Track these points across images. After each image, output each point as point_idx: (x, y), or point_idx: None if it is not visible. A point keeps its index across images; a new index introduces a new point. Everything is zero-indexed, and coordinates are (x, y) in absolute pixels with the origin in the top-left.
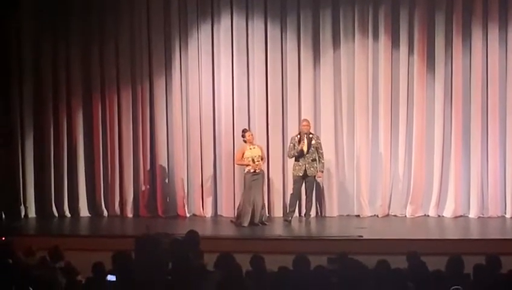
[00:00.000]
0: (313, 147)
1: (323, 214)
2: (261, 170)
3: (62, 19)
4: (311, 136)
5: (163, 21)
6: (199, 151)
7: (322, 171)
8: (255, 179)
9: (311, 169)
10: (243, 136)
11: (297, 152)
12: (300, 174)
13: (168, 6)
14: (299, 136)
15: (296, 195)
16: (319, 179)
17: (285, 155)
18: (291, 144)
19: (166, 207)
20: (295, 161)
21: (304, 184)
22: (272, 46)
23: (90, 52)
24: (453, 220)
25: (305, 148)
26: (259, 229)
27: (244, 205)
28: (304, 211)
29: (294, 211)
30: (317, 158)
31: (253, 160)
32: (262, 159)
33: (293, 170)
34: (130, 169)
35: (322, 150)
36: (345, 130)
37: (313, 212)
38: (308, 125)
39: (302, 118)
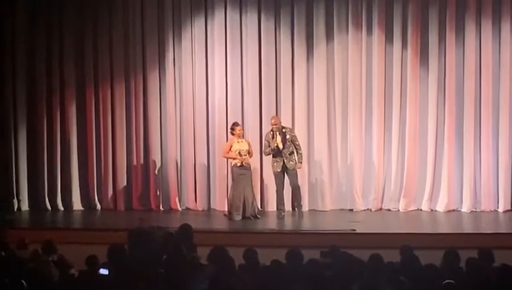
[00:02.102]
0: (288, 141)
1: (316, 208)
2: (248, 164)
3: (56, 11)
4: (284, 130)
5: (157, 14)
6: (192, 145)
7: (301, 162)
8: (242, 174)
9: (291, 163)
10: (232, 129)
11: (272, 150)
12: (279, 170)
13: (162, 0)
14: (272, 132)
15: (280, 190)
16: (298, 166)
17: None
18: (266, 142)
19: (160, 200)
20: (273, 157)
21: (285, 178)
22: (265, 39)
23: (84, 45)
24: (446, 214)
25: (280, 145)
26: (252, 222)
27: (233, 199)
28: (294, 205)
29: (284, 205)
30: (294, 151)
31: (239, 153)
32: (249, 153)
33: (272, 166)
34: (123, 162)
35: (298, 141)
36: (339, 124)
37: (305, 206)
38: (278, 123)
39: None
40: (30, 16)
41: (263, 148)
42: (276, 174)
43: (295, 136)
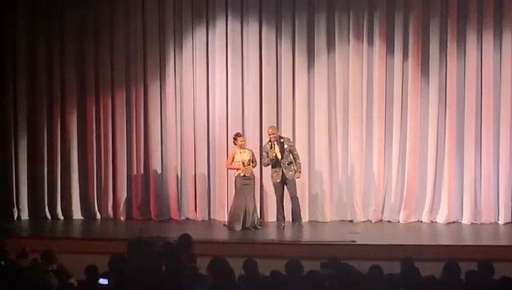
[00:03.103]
0: (287, 151)
1: (316, 219)
2: (252, 174)
3: (57, 20)
4: (282, 140)
5: (158, 24)
6: (193, 155)
7: (300, 172)
8: (245, 183)
9: (290, 173)
10: (235, 139)
11: (271, 161)
12: (279, 180)
13: (163, 9)
14: (270, 143)
15: (280, 201)
16: (297, 176)
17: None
18: (265, 152)
19: (159, 210)
20: (272, 168)
21: (284, 189)
22: (266, 50)
23: (85, 54)
24: (446, 226)
25: (279, 155)
26: (252, 233)
27: (235, 209)
28: (292, 214)
29: (284, 217)
30: (293, 160)
31: (243, 164)
32: (252, 162)
33: (271, 177)
34: (124, 172)
35: (295, 151)
36: (339, 135)
37: (305, 217)
38: (275, 133)
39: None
40: (31, 25)
41: (262, 159)
42: (275, 185)
43: (293, 145)
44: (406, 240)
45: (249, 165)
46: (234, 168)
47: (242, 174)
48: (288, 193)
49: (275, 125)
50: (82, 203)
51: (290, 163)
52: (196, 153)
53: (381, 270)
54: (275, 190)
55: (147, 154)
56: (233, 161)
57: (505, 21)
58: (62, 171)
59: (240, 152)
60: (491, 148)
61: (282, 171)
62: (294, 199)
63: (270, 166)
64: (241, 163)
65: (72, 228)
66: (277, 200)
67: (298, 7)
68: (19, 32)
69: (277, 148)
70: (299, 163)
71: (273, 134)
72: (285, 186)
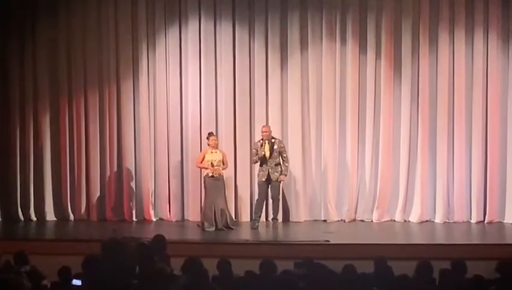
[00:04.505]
0: (276, 152)
1: (290, 219)
2: (220, 175)
3: (29, 20)
4: (273, 140)
5: (131, 23)
6: (166, 155)
7: (286, 175)
8: (214, 184)
9: (275, 173)
10: (208, 138)
11: (258, 159)
12: (264, 179)
13: (135, 9)
14: (261, 141)
15: (261, 200)
16: (281, 178)
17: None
18: (254, 150)
19: (133, 211)
20: (259, 166)
21: (268, 189)
22: (239, 49)
23: (57, 55)
24: (419, 225)
25: (267, 154)
26: (226, 233)
27: (205, 209)
28: (270, 215)
29: (260, 216)
30: (281, 162)
31: (212, 164)
32: (223, 163)
33: (258, 175)
34: (97, 173)
35: (285, 153)
36: (312, 134)
37: (279, 217)
38: (268, 131)
39: (264, 124)
40: (3, 25)
41: (251, 156)
42: (260, 184)
43: (284, 147)
44: (379, 240)
45: (218, 166)
46: (203, 167)
47: (210, 175)
48: (270, 194)
49: (248, 125)
50: (55, 204)
51: (277, 164)
52: (170, 153)
53: (354, 269)
54: (258, 188)
55: (120, 155)
56: (203, 159)
57: (476, 19)
58: (35, 172)
59: (212, 152)
60: (463, 147)
61: (268, 171)
62: (275, 200)
63: (255, 166)
64: (210, 163)
65: (45, 229)
66: (258, 199)
67: (271, 6)
68: None
69: (267, 147)
70: (287, 166)
71: (265, 132)
72: (269, 187)
